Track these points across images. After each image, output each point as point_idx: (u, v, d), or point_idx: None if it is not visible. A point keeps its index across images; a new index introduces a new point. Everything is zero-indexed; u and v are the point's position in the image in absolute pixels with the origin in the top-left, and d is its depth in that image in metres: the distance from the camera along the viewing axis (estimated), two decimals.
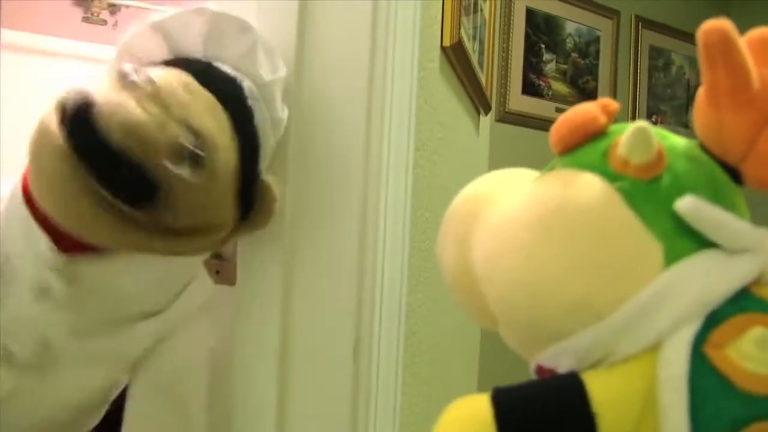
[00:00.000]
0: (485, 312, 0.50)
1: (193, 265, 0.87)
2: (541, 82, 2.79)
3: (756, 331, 0.39)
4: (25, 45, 2.30)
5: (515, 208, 0.47)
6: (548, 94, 2.81)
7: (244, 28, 0.77)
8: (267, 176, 0.78)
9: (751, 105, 0.43)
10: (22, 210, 0.73)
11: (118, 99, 0.64)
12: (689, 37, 3.23)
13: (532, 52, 2.76)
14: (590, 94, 2.95)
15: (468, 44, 1.29)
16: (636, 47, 3.12)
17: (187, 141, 0.67)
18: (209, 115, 0.71)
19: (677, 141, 0.47)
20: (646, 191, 0.44)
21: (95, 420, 0.94)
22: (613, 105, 0.49)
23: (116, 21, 2.60)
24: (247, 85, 0.76)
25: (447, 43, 1.14)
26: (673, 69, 3.28)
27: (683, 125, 3.32)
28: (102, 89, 0.65)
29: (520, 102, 2.69)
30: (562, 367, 0.44)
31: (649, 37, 3.18)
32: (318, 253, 0.85)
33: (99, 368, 0.85)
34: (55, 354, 0.80)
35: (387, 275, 0.86)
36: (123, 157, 0.63)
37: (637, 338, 0.41)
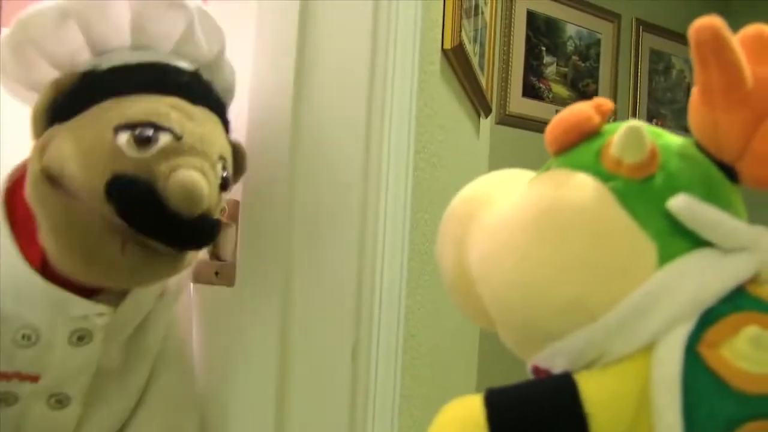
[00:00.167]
0: (482, 313, 0.51)
1: None
2: (541, 85, 2.79)
3: (750, 330, 0.38)
4: None
5: (510, 209, 0.47)
6: (549, 97, 2.81)
7: (173, 4, 0.70)
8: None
9: (744, 103, 0.42)
10: (34, 281, 0.69)
11: (174, 173, 0.63)
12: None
13: (532, 55, 2.76)
14: (591, 97, 2.90)
15: (469, 47, 1.29)
16: (636, 50, 3.12)
17: (224, 172, 0.70)
18: (218, 133, 0.72)
19: (672, 140, 0.47)
20: (640, 191, 0.44)
21: None
22: (608, 104, 0.49)
23: None
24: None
25: (448, 45, 1.14)
26: (674, 72, 3.28)
27: (684, 129, 3.32)
28: (140, 161, 0.63)
29: (520, 104, 2.70)
30: (557, 367, 0.44)
31: (649, 41, 3.18)
32: (317, 254, 0.85)
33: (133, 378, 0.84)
34: (98, 385, 0.79)
35: (386, 277, 0.86)
36: (184, 219, 0.64)
37: (630, 338, 0.41)
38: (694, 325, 0.40)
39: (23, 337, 0.71)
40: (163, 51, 0.73)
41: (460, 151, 1.42)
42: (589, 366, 0.42)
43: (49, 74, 0.70)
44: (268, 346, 0.84)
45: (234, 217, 0.85)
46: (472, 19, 1.34)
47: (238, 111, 0.81)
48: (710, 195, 0.43)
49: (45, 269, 0.69)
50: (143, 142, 0.64)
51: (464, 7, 1.22)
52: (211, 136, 0.69)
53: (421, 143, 1.01)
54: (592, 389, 0.40)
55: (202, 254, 0.84)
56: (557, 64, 2.85)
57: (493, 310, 0.48)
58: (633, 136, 0.44)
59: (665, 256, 0.42)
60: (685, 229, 0.42)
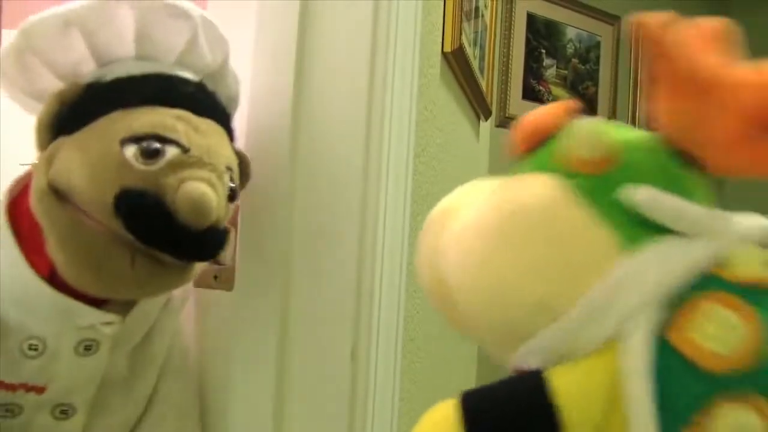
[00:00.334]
0: (464, 323, 0.51)
1: None
2: (541, 88, 2.79)
3: (716, 310, 0.39)
4: None
5: (474, 215, 0.48)
6: (548, 100, 2.81)
7: (177, 14, 0.70)
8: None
9: (702, 92, 0.43)
10: (43, 292, 0.69)
11: (182, 185, 0.63)
12: None
13: (532, 58, 2.76)
14: (590, 100, 2.95)
15: (469, 50, 1.29)
16: (636, 53, 3.12)
17: (231, 183, 0.70)
18: (224, 143, 0.72)
19: (631, 134, 0.47)
20: (600, 185, 0.44)
21: None
22: (574, 105, 0.49)
23: None
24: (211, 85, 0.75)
25: (448, 48, 1.14)
26: None
27: None
28: (147, 174, 0.63)
29: (520, 107, 2.69)
30: (532, 366, 0.44)
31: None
32: (317, 258, 0.85)
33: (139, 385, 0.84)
34: (105, 392, 0.79)
35: (386, 280, 0.85)
36: (193, 231, 0.64)
37: (597, 331, 0.42)
38: (660, 311, 0.40)
39: (30, 347, 0.70)
40: (167, 61, 0.72)
41: (460, 153, 1.41)
42: (561, 362, 0.43)
43: (52, 84, 0.70)
44: (267, 349, 0.84)
45: (233, 222, 0.85)
46: (472, 21, 1.34)
47: (237, 117, 0.81)
48: (670, 185, 0.44)
49: (53, 279, 0.68)
50: (150, 155, 0.64)
51: (464, 9, 1.22)
52: (217, 148, 0.69)
53: (421, 146, 1.01)
54: (562, 383, 0.40)
55: None
56: (557, 67, 2.85)
57: (467, 315, 0.49)
58: (589, 133, 0.45)
59: (627, 247, 0.42)
60: (647, 220, 0.43)
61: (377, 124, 0.85)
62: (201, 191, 0.63)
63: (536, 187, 0.45)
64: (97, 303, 0.71)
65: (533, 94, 2.76)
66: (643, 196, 0.43)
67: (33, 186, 0.67)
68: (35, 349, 0.71)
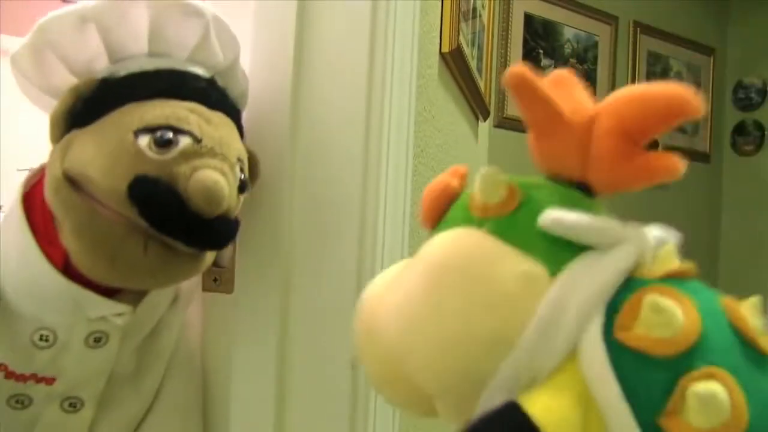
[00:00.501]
0: (418, 398, 0.52)
1: None
2: None
3: (648, 299, 0.42)
4: None
5: (402, 281, 0.50)
6: None
7: (190, 12, 0.71)
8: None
9: (567, 126, 0.48)
10: (56, 282, 0.70)
11: (195, 174, 0.65)
12: (687, 43, 3.25)
13: (530, 58, 2.76)
14: None
15: (467, 50, 1.29)
16: (634, 53, 3.13)
17: (241, 175, 0.72)
18: (235, 136, 0.73)
19: (523, 178, 0.51)
20: (511, 224, 0.47)
21: None
22: (462, 169, 0.54)
23: None
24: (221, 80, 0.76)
25: (446, 49, 1.14)
26: (672, 75, 3.29)
27: (681, 131, 3.33)
28: (161, 163, 0.65)
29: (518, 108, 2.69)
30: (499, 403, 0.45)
31: (647, 43, 3.19)
32: (316, 260, 0.84)
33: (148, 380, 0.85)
34: (113, 387, 0.80)
35: None
36: (205, 219, 0.65)
37: (552, 349, 0.43)
38: (603, 318, 0.43)
39: (41, 338, 0.72)
40: (179, 58, 0.74)
41: (459, 154, 1.41)
42: (526, 389, 0.44)
43: (67, 80, 0.71)
44: (267, 353, 0.83)
45: None
46: (469, 22, 1.34)
47: None
48: (574, 209, 0.47)
49: (66, 270, 0.70)
50: (164, 144, 0.65)
51: (462, 10, 1.21)
52: (228, 140, 0.70)
53: (420, 147, 1.01)
54: (539, 408, 0.41)
55: None
56: (555, 67, 2.84)
57: (425, 382, 0.49)
58: (489, 179, 0.48)
59: (553, 270, 0.45)
60: (563, 243, 0.45)
61: (376, 125, 0.85)
62: (213, 179, 0.64)
63: (454, 238, 0.48)
64: (109, 294, 0.72)
65: None
66: (549, 218, 0.46)
67: (48, 176, 0.68)
68: (46, 340, 0.72)
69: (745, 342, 0.42)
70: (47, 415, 0.77)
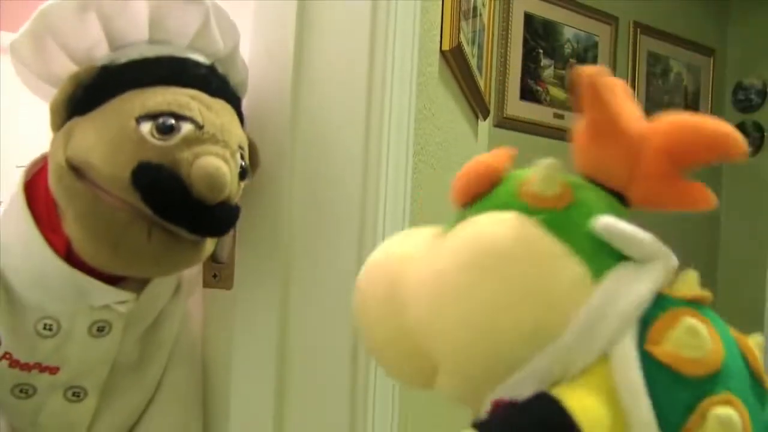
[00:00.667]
0: (421, 370, 0.53)
1: None
2: (539, 88, 2.79)
3: (686, 322, 0.44)
4: None
5: (444, 257, 0.50)
6: (546, 100, 2.81)
7: (189, 0, 0.72)
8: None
9: (624, 136, 0.49)
10: (60, 269, 0.70)
11: (197, 160, 0.65)
12: (688, 44, 3.25)
13: (530, 58, 2.76)
14: None
15: (467, 48, 1.29)
16: (634, 53, 3.13)
17: (242, 162, 0.72)
18: (236, 123, 0.74)
19: (568, 175, 0.52)
20: (563, 219, 0.48)
21: None
22: (507, 153, 0.54)
23: None
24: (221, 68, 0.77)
25: (446, 47, 1.14)
26: (671, 75, 3.29)
27: None
28: (163, 149, 0.65)
29: (518, 107, 2.70)
30: (526, 393, 0.46)
31: (647, 43, 3.19)
32: (316, 256, 0.84)
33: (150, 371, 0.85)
34: (114, 378, 0.81)
35: None
36: (207, 205, 0.65)
37: (588, 350, 0.45)
38: (636, 330, 0.45)
39: (45, 327, 0.73)
40: (179, 45, 0.74)
41: (459, 152, 1.41)
42: (554, 384, 0.45)
43: (67, 68, 0.71)
44: (267, 347, 0.83)
45: None
46: (470, 20, 1.34)
47: None
48: (616, 216, 0.48)
49: (69, 258, 0.70)
50: (166, 130, 0.65)
51: (462, 8, 1.21)
52: (229, 126, 0.71)
53: (420, 144, 1.01)
54: (575, 403, 0.42)
55: None
56: (555, 67, 2.85)
57: (452, 358, 0.50)
58: (550, 171, 0.48)
59: (596, 274, 0.46)
60: (607, 248, 0.47)
61: (376, 123, 0.85)
62: (216, 165, 0.65)
63: (506, 223, 0.48)
64: (111, 283, 0.73)
65: (531, 95, 2.76)
66: (603, 223, 0.47)
67: (51, 164, 0.69)
68: (50, 329, 0.73)
69: (753, 375, 0.45)
70: (51, 404, 0.77)
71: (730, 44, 3.58)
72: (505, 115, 2.64)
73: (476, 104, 1.58)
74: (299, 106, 0.85)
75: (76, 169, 0.66)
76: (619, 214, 0.49)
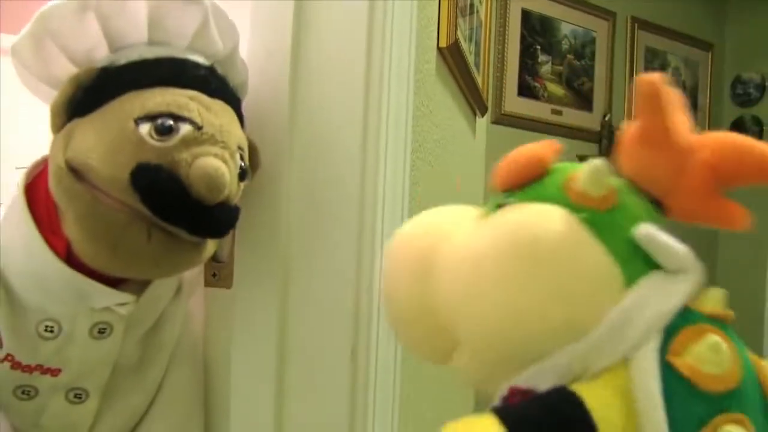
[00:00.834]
0: (439, 347, 0.54)
1: None
2: (536, 84, 2.79)
3: (710, 338, 0.45)
4: None
5: (481, 241, 0.50)
6: (544, 96, 2.81)
7: (188, 1, 0.72)
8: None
9: (674, 146, 0.49)
10: (60, 272, 0.70)
11: (196, 160, 0.65)
12: (685, 39, 3.24)
13: (527, 54, 2.76)
14: (586, 96, 2.95)
15: (464, 45, 1.29)
16: (632, 48, 3.13)
17: (242, 162, 0.72)
18: (235, 124, 0.74)
19: (615, 178, 0.53)
20: (605, 221, 0.49)
21: None
22: (558, 146, 0.54)
23: None
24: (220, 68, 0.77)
25: (443, 44, 1.14)
26: (669, 70, 3.29)
27: None
28: (162, 150, 0.65)
29: (515, 104, 2.69)
30: (544, 385, 0.47)
31: (644, 39, 3.19)
32: (315, 255, 0.84)
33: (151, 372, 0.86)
34: (116, 379, 0.81)
35: None
36: (206, 206, 0.65)
37: (611, 353, 0.46)
38: (660, 338, 0.46)
39: (46, 329, 0.73)
40: (179, 46, 0.74)
41: (457, 149, 1.41)
42: (573, 380, 0.46)
43: (67, 70, 0.71)
44: (266, 348, 0.83)
45: None
46: (467, 17, 1.34)
47: None
48: (654, 223, 0.49)
49: (69, 260, 0.70)
50: (164, 131, 0.65)
51: (459, 5, 1.21)
52: (229, 127, 0.71)
53: (418, 142, 1.01)
54: (592, 399, 0.44)
55: None
56: (552, 63, 2.85)
57: (472, 340, 0.51)
58: (599, 172, 0.49)
59: (629, 279, 0.47)
60: (642, 254, 0.48)
61: (374, 120, 0.85)
62: (215, 166, 0.65)
63: (550, 216, 0.49)
64: (112, 285, 0.73)
65: (529, 91, 2.76)
66: (646, 232, 0.48)
67: (51, 166, 0.69)
68: (51, 331, 0.73)
69: (765, 398, 0.47)
70: (53, 405, 0.78)
71: (728, 39, 3.58)
72: (503, 112, 2.64)
73: (474, 101, 1.58)
74: (297, 105, 0.85)
75: (75, 171, 0.67)
76: (657, 223, 0.50)
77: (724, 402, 0.44)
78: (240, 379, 0.85)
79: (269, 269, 0.84)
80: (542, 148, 0.54)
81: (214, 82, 0.73)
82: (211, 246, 0.74)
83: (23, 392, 0.76)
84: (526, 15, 2.74)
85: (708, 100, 3.45)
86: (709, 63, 3.49)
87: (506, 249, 0.48)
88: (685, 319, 0.47)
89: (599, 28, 3.00)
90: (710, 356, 0.44)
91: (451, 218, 0.56)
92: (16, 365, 0.74)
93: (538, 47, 2.80)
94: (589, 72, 2.97)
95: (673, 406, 0.43)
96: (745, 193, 0.51)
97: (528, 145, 0.54)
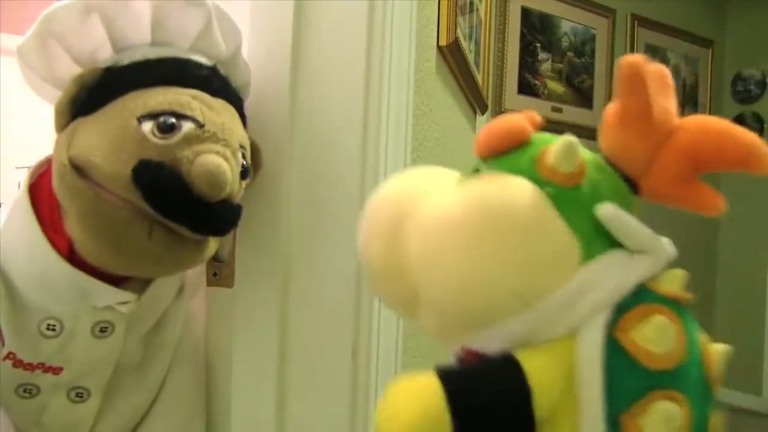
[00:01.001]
0: (407, 303, 0.55)
1: None
2: (536, 82, 2.79)
3: (657, 319, 0.46)
4: None
5: (451, 206, 0.51)
6: (544, 93, 2.81)
7: (192, 2, 0.73)
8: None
9: (652, 129, 0.50)
10: (63, 270, 0.71)
11: (198, 158, 0.65)
12: (685, 36, 3.24)
13: (527, 52, 2.76)
14: (586, 93, 2.95)
15: (464, 44, 1.29)
16: (632, 45, 3.12)
17: (243, 161, 0.72)
18: (237, 123, 0.74)
19: (588, 154, 0.53)
20: (570, 197, 0.50)
21: None
22: (538, 118, 0.55)
23: None
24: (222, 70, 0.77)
25: (443, 42, 1.14)
26: (669, 67, 3.28)
27: None
28: (164, 148, 0.65)
29: (516, 101, 2.69)
30: (492, 349, 0.49)
31: (644, 36, 3.19)
32: (316, 254, 0.84)
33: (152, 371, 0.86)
34: (118, 378, 0.81)
35: None
36: (208, 203, 0.66)
37: (561, 324, 0.48)
38: (610, 314, 0.47)
39: (48, 327, 0.73)
40: (181, 47, 0.74)
41: (457, 147, 1.41)
42: (522, 347, 0.48)
43: (71, 70, 0.72)
44: (267, 348, 0.84)
45: None
46: (467, 16, 1.34)
47: None
48: (621, 204, 0.50)
49: (72, 258, 0.70)
50: (167, 129, 0.66)
51: (459, 4, 1.21)
52: (231, 126, 0.71)
53: (418, 140, 1.01)
54: (532, 367, 0.46)
55: None
56: (552, 61, 2.85)
57: (432, 300, 0.52)
58: (569, 148, 0.50)
59: (587, 255, 0.49)
60: (604, 232, 0.49)
61: (374, 119, 0.85)
62: (216, 163, 0.65)
63: (516, 188, 0.50)
64: (114, 283, 0.73)
65: (529, 88, 2.76)
66: (608, 212, 0.49)
67: (54, 164, 0.69)
68: (53, 330, 0.73)
69: (706, 381, 0.49)
70: (54, 404, 0.78)
71: (728, 35, 3.58)
72: (503, 110, 2.64)
73: (474, 99, 1.58)
74: (297, 104, 0.85)
75: (79, 168, 0.67)
76: (627, 202, 0.51)
77: (662, 379, 0.46)
78: (241, 378, 0.85)
79: (270, 269, 0.84)
80: (521, 119, 0.54)
81: (216, 82, 0.74)
82: (212, 244, 0.74)
83: (25, 391, 0.76)
84: (525, 13, 2.74)
85: (708, 97, 3.45)
86: (710, 60, 3.49)
87: (472, 216, 0.49)
88: (639, 298, 0.48)
89: (599, 25, 3.00)
90: (655, 336, 0.46)
91: (429, 180, 0.57)
92: (18, 363, 0.74)
93: (538, 45, 2.80)
94: (589, 69, 2.97)
95: (612, 378, 0.46)
96: (746, 190, 0.52)
97: (509, 115, 0.55)
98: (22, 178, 0.76)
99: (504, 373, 0.47)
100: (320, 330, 0.84)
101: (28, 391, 0.76)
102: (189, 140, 0.66)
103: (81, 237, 0.67)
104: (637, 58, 0.48)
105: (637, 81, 0.48)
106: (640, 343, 0.46)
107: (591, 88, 2.97)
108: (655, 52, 3.23)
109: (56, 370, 0.76)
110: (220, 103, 0.72)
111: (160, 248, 0.67)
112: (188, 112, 0.67)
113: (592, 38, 2.98)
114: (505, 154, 0.53)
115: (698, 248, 3.40)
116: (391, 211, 0.55)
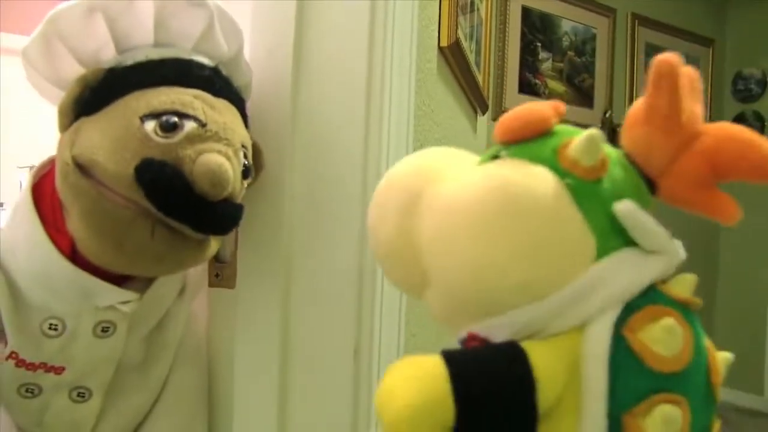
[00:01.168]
0: (416, 282, 0.55)
1: None
2: (537, 81, 2.79)
3: (667, 321, 0.46)
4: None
5: (468, 190, 0.51)
6: (545, 93, 2.81)
7: (194, 3, 0.73)
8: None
9: (677, 130, 0.50)
10: (65, 270, 0.71)
11: (200, 157, 0.66)
12: (685, 35, 3.24)
13: (528, 51, 2.76)
14: (587, 92, 2.95)
15: (465, 44, 1.29)
16: (632, 45, 3.13)
17: (245, 160, 0.73)
18: (239, 123, 0.74)
19: (611, 150, 0.53)
20: (590, 191, 0.49)
21: None
22: (563, 107, 0.55)
23: None
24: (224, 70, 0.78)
25: (444, 43, 1.14)
26: None
27: None
28: (166, 146, 0.66)
29: (516, 101, 2.69)
30: (498, 337, 0.49)
31: (645, 35, 3.19)
32: (318, 254, 0.85)
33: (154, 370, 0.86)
34: (121, 377, 0.82)
35: None
36: (210, 202, 0.66)
37: (570, 318, 0.47)
38: (620, 311, 0.47)
39: (50, 327, 0.74)
40: (184, 48, 0.75)
41: (458, 148, 1.41)
42: (527, 338, 0.48)
43: (75, 70, 0.72)
44: (269, 348, 0.84)
45: None
46: (467, 16, 1.34)
47: None
48: (639, 202, 0.50)
49: (74, 258, 0.71)
50: (169, 128, 0.66)
51: (460, 4, 1.21)
52: (233, 125, 0.72)
53: (419, 141, 1.01)
54: (538, 358, 0.46)
55: None
56: (553, 60, 2.85)
57: (441, 283, 0.52)
58: (592, 142, 0.49)
59: (602, 251, 0.48)
60: (620, 229, 0.49)
61: (376, 120, 0.85)
62: (218, 162, 0.65)
63: (536, 177, 0.49)
64: (116, 282, 0.73)
65: (529, 88, 2.76)
66: (627, 208, 0.49)
67: (57, 163, 0.70)
68: (55, 329, 0.74)
69: (709, 387, 0.49)
70: (56, 404, 0.78)
71: (728, 34, 3.58)
72: (503, 109, 2.64)
73: (475, 99, 1.58)
74: (299, 104, 0.85)
75: (82, 167, 0.67)
76: (645, 201, 0.51)
77: (667, 382, 0.46)
78: (243, 378, 0.85)
79: (272, 269, 0.84)
80: (546, 107, 0.54)
81: (218, 83, 0.74)
82: (214, 244, 0.74)
83: (27, 390, 0.77)
84: (526, 12, 2.74)
85: (709, 96, 3.45)
86: (710, 59, 3.49)
87: (489, 201, 0.49)
88: (649, 298, 0.48)
89: (599, 24, 3.00)
90: (663, 337, 0.46)
91: (447, 160, 0.57)
92: (20, 363, 0.75)
93: (539, 44, 2.80)
94: (589, 69, 2.97)
95: (617, 376, 0.45)
96: (746, 189, 0.52)
97: (534, 102, 0.54)
98: (24, 178, 0.76)
99: (510, 361, 0.46)
100: (322, 330, 0.84)
101: (30, 391, 0.77)
102: (191, 139, 0.67)
103: (83, 236, 0.67)
104: (672, 57, 0.48)
105: (669, 80, 0.48)
106: (647, 344, 0.46)
107: (591, 87, 2.97)
108: (656, 52, 3.22)
109: (58, 370, 0.76)
110: (222, 103, 0.72)
111: (162, 247, 0.67)
112: (190, 112, 0.68)
113: (593, 37, 2.98)
114: (527, 141, 0.53)
115: (700, 248, 3.40)
116: (405, 189, 0.55)
